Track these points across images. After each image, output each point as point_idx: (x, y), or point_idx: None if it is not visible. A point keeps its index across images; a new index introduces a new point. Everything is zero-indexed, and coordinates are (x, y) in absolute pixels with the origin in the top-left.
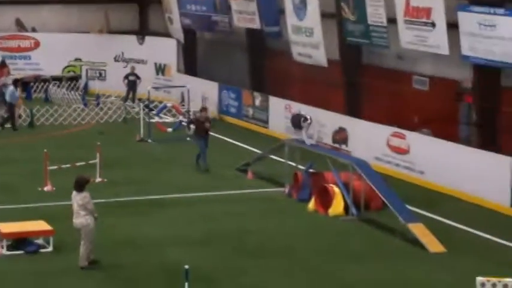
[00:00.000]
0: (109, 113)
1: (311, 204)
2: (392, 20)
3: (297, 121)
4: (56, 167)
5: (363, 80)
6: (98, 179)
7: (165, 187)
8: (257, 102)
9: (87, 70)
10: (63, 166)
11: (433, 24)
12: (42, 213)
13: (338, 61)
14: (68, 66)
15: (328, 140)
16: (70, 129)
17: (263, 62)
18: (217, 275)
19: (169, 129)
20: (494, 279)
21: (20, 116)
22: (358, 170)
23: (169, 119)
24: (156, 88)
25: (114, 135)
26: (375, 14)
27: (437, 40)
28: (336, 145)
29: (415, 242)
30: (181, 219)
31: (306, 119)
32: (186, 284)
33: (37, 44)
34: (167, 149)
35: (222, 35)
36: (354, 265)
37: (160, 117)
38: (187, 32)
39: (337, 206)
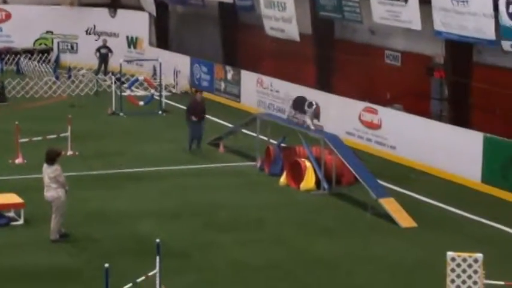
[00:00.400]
0: (80, 86)
1: (283, 179)
2: None
3: (301, 104)
4: (27, 139)
5: (335, 55)
6: (70, 152)
7: (137, 161)
8: (229, 76)
9: (58, 43)
10: (34, 139)
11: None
12: (13, 186)
13: (310, 35)
14: (39, 38)
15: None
16: (41, 102)
17: (235, 36)
18: (189, 248)
19: (141, 103)
20: (464, 254)
21: None
22: (330, 145)
23: (141, 93)
24: (128, 61)
25: (85, 108)
26: None
27: (410, 15)
28: None
29: (387, 217)
30: (153, 193)
31: (311, 104)
32: (158, 257)
33: (8, 16)
34: (139, 122)
35: (194, 9)
36: (325, 239)
37: (132, 91)
38: (159, 5)
39: (309, 181)
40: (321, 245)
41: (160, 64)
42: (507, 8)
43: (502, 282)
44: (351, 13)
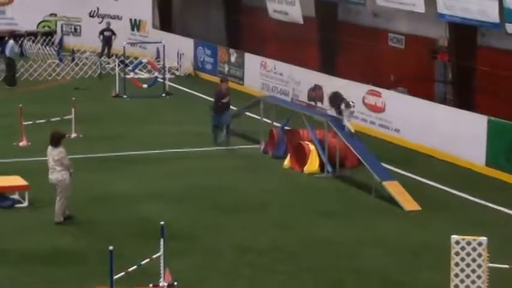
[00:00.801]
0: (84, 69)
1: (286, 162)
2: None
3: (337, 103)
4: (31, 122)
5: (339, 38)
6: (74, 135)
7: (141, 143)
8: (232, 58)
9: (62, 25)
10: (39, 121)
11: None
12: (18, 169)
13: (314, 18)
14: (43, 21)
15: (303, 97)
16: (45, 85)
17: (239, 19)
18: (193, 231)
19: (145, 85)
20: (469, 238)
21: None
22: (334, 128)
23: (144, 75)
24: (132, 44)
25: (89, 90)
26: None
27: None
28: (312, 102)
29: (390, 200)
30: (157, 176)
31: (348, 105)
32: (162, 240)
33: None
34: (142, 105)
35: None
36: (329, 222)
37: (136, 73)
38: None
39: (313, 164)
40: (325, 227)
41: (164, 47)
42: None
43: (506, 266)
44: None
